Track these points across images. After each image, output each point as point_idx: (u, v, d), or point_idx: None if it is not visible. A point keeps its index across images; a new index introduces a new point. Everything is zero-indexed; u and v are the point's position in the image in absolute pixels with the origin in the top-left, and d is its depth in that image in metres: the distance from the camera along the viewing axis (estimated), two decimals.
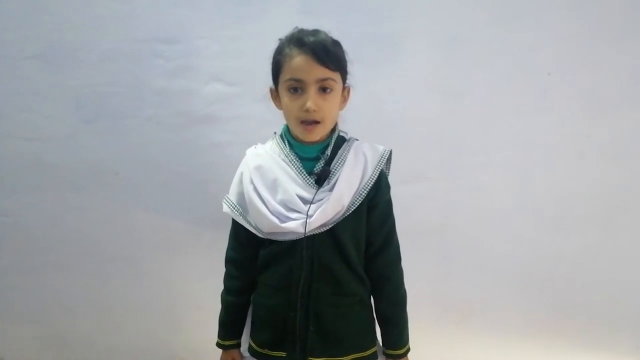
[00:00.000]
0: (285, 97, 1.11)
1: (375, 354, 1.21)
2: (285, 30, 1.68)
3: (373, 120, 1.64)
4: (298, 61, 1.06)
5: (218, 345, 1.28)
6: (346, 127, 1.23)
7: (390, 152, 1.20)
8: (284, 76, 1.10)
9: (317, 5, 1.70)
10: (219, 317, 1.29)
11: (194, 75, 1.76)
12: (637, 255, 1.82)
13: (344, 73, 1.13)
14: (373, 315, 1.23)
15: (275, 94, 1.18)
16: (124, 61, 1.76)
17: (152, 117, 1.79)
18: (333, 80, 1.09)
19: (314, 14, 1.70)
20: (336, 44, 1.12)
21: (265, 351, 1.19)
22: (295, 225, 1.10)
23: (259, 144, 1.24)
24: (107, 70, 1.77)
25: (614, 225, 1.81)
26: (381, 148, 1.19)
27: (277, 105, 1.19)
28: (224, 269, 1.88)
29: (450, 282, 1.83)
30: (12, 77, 1.79)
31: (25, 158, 1.83)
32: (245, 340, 1.27)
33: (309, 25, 1.68)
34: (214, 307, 1.92)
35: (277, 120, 1.74)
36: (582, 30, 1.69)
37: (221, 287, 1.89)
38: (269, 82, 1.71)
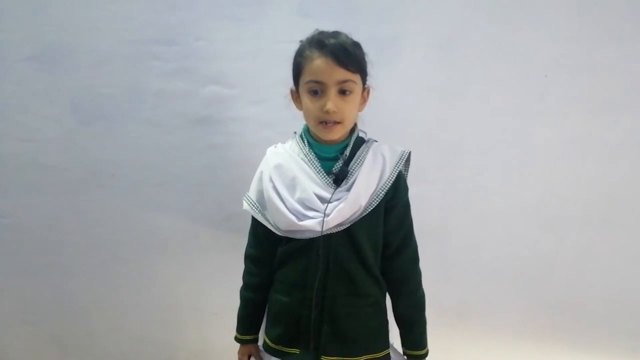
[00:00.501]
0: (305, 98, 1.12)
1: (388, 356, 1.22)
2: (283, 32, 1.70)
3: (371, 121, 1.64)
4: (318, 63, 1.07)
5: (236, 339, 1.30)
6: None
7: (409, 153, 1.21)
8: (305, 78, 1.11)
9: (315, 7, 1.70)
10: (238, 312, 1.31)
11: (192, 77, 1.75)
12: (635, 255, 1.83)
13: (364, 74, 1.14)
14: (387, 317, 1.24)
15: (295, 95, 1.19)
16: (121, 63, 1.76)
17: (149, 119, 1.79)
18: (353, 82, 1.09)
19: (312, 16, 1.70)
20: (356, 45, 1.12)
21: (280, 347, 1.21)
22: (312, 224, 1.11)
23: (279, 143, 1.26)
24: (104, 71, 1.76)
25: (612, 226, 1.81)
26: (400, 149, 1.20)
27: (297, 106, 1.20)
28: (220, 271, 1.89)
29: (448, 284, 1.83)
30: (8, 79, 1.78)
31: (21, 159, 1.82)
32: (260, 335, 1.29)
33: (306, 27, 1.69)
34: (211, 309, 1.93)
35: (275, 122, 1.75)
36: (579, 33, 1.69)
37: (217, 288, 1.91)
38: (266, 84, 1.74)
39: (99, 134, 1.80)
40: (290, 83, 1.70)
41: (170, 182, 1.83)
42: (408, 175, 1.24)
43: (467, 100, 1.74)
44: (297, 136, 1.23)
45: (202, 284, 1.92)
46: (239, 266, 1.86)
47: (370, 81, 1.18)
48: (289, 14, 1.71)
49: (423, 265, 1.25)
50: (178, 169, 1.81)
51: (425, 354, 1.24)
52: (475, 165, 1.78)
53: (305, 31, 1.66)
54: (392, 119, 1.72)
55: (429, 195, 1.77)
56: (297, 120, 1.72)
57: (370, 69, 1.16)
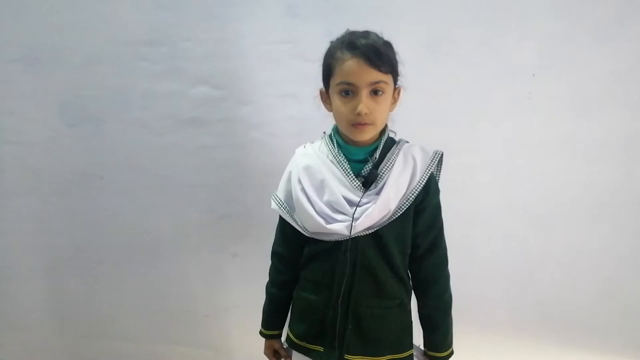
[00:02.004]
0: (336, 100, 1.10)
1: (411, 357, 1.22)
2: (271, 33, 1.70)
3: None
4: (350, 64, 1.06)
5: (261, 333, 1.32)
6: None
7: (442, 154, 1.20)
8: (336, 79, 1.09)
9: (303, 8, 1.69)
10: (263, 307, 1.32)
11: (180, 78, 1.75)
12: (624, 253, 1.84)
13: (395, 75, 1.13)
14: (411, 319, 1.24)
15: (325, 97, 1.17)
16: (108, 64, 1.75)
17: (137, 120, 1.77)
18: (385, 82, 1.08)
19: (300, 16, 1.69)
20: (388, 45, 1.11)
21: (304, 344, 1.21)
22: (340, 227, 1.11)
23: (308, 143, 1.25)
24: (91, 73, 1.75)
25: (601, 224, 1.82)
26: (431, 151, 1.19)
27: (327, 108, 1.18)
28: (211, 272, 1.89)
29: None
30: None
31: (8, 162, 1.81)
32: (284, 330, 1.30)
33: (295, 28, 1.69)
34: (202, 311, 1.93)
35: (264, 123, 1.75)
36: (566, 32, 1.70)
37: (208, 290, 1.90)
38: (255, 85, 1.73)
39: (87, 136, 1.79)
40: (280, 84, 1.71)
41: (159, 184, 1.82)
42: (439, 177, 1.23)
43: (456, 100, 1.75)
44: (326, 136, 1.22)
45: (193, 285, 1.91)
46: (230, 268, 1.87)
47: (399, 79, 1.16)
48: (278, 14, 1.71)
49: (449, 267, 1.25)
50: (167, 170, 1.81)
51: (449, 355, 1.24)
52: (464, 164, 1.78)
53: (294, 32, 1.69)
54: None
55: None
56: (288, 121, 1.74)
57: (401, 68, 1.14)
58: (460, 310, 1.89)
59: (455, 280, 1.84)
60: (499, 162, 1.79)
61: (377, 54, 1.05)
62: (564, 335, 1.90)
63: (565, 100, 1.74)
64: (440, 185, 1.80)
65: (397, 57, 1.13)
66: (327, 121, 1.19)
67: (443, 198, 1.79)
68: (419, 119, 1.74)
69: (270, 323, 1.30)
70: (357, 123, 1.08)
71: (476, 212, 1.82)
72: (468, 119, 1.76)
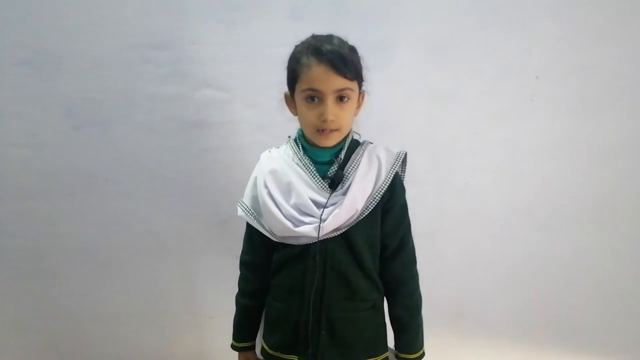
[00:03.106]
0: (302, 106, 1.11)
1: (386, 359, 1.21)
2: (275, 36, 1.71)
3: (363, 124, 1.65)
4: (316, 72, 1.06)
5: (232, 347, 1.29)
6: None
7: (405, 154, 1.20)
8: (301, 86, 1.09)
9: (308, 11, 1.71)
10: (234, 319, 1.30)
11: (185, 81, 1.75)
12: (627, 255, 1.84)
13: (360, 80, 1.13)
14: (385, 321, 1.23)
15: (290, 100, 1.18)
16: (114, 67, 1.75)
17: (142, 123, 1.78)
18: (350, 89, 1.09)
19: (305, 20, 1.70)
20: (352, 50, 1.12)
21: (278, 354, 1.19)
22: (308, 230, 1.10)
23: (273, 148, 1.25)
24: (97, 76, 1.76)
25: (604, 226, 1.83)
26: (395, 150, 1.19)
27: (291, 111, 1.19)
28: (215, 274, 1.89)
29: (441, 284, 1.84)
30: (1, 84, 1.77)
31: (15, 165, 1.81)
32: (258, 342, 1.28)
33: (299, 31, 1.69)
34: (206, 312, 1.94)
35: (268, 125, 1.76)
36: (569, 34, 1.71)
37: (213, 292, 1.91)
38: (259, 87, 1.74)
39: (93, 139, 1.79)
40: (283, 86, 1.72)
41: (164, 186, 1.82)
42: (405, 177, 1.24)
43: (459, 102, 1.76)
44: (291, 140, 1.22)
45: (198, 287, 1.91)
46: (234, 270, 1.86)
47: (363, 84, 1.18)
48: (282, 17, 1.72)
49: (417, 266, 1.26)
50: (172, 172, 1.81)
51: (420, 357, 1.23)
52: (468, 166, 1.80)
53: (298, 35, 1.68)
54: (385, 122, 1.73)
55: (421, 196, 1.78)
56: (291, 124, 1.73)
57: (365, 73, 1.15)
58: (464, 312, 1.91)
59: (457, 281, 1.86)
60: (501, 164, 1.80)
61: (343, 61, 1.06)
62: (566, 336, 1.90)
63: (568, 103, 1.75)
64: (444, 187, 1.82)
65: (362, 62, 1.14)
66: None
67: (446, 200, 1.82)
68: (423, 121, 1.76)
69: (242, 335, 1.28)
70: (323, 129, 1.09)
71: (479, 214, 1.83)
72: (471, 122, 1.77)
